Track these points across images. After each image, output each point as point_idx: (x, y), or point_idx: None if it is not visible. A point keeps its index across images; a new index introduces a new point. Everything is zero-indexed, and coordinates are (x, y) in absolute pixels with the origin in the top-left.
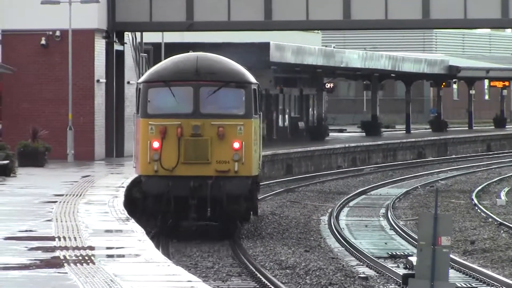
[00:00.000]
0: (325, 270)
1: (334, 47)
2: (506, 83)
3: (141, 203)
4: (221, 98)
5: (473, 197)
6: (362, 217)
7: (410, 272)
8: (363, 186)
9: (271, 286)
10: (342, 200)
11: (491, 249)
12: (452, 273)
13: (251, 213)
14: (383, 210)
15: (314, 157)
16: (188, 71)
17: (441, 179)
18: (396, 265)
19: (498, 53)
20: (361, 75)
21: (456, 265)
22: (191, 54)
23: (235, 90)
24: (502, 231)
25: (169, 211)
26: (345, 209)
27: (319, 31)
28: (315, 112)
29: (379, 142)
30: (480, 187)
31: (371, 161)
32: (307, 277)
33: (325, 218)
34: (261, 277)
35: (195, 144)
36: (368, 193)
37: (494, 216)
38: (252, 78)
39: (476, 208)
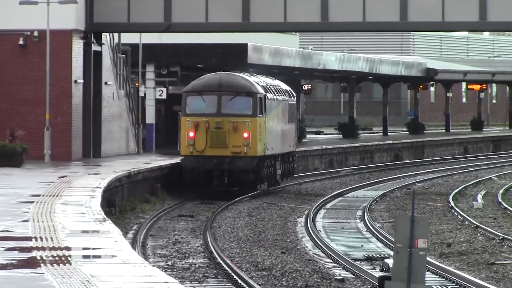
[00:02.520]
0: (301, 272)
1: (311, 49)
2: (484, 86)
3: (180, 174)
4: (236, 103)
5: (450, 199)
6: (339, 219)
7: (386, 274)
8: (340, 188)
9: (247, 287)
10: (319, 202)
11: (467, 252)
12: (428, 276)
13: (260, 185)
14: (359, 212)
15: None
16: (214, 85)
17: (418, 182)
18: (372, 267)
19: (475, 56)
20: (339, 77)
21: (432, 268)
22: (217, 73)
23: (245, 98)
24: (478, 234)
25: (199, 179)
26: (322, 211)
27: (296, 33)
28: None
29: (356, 144)
30: (457, 190)
31: (348, 163)
32: (284, 279)
33: (301, 220)
34: (237, 278)
35: (217, 134)
36: (345, 195)
37: (471, 219)
38: (259, 89)
39: (453, 211)
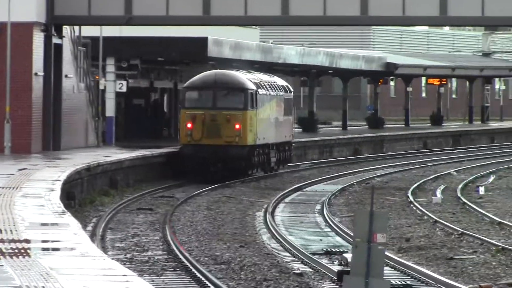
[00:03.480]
0: (260, 266)
1: (272, 43)
2: (444, 81)
3: (180, 161)
4: (229, 98)
5: (409, 194)
6: (298, 213)
7: (345, 268)
8: (299, 182)
9: (205, 281)
10: (278, 196)
11: (426, 247)
12: (387, 270)
13: (251, 171)
14: (318, 207)
15: None
16: (210, 81)
17: (377, 176)
18: (331, 261)
19: (435, 51)
20: (299, 71)
21: (391, 262)
22: (213, 71)
23: (237, 93)
24: (437, 229)
25: (196, 166)
26: (281, 205)
27: (257, 27)
28: None
29: (316, 138)
30: (416, 185)
31: (308, 157)
32: (242, 273)
33: (260, 214)
34: (195, 272)
35: (213, 125)
36: (304, 190)
37: (430, 214)
38: (250, 86)
39: (412, 205)
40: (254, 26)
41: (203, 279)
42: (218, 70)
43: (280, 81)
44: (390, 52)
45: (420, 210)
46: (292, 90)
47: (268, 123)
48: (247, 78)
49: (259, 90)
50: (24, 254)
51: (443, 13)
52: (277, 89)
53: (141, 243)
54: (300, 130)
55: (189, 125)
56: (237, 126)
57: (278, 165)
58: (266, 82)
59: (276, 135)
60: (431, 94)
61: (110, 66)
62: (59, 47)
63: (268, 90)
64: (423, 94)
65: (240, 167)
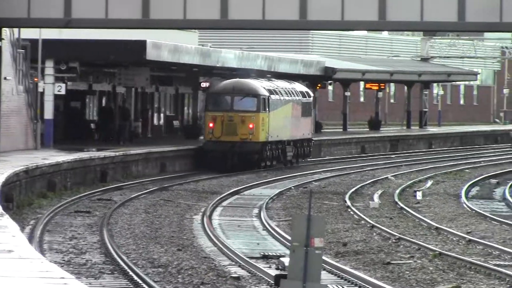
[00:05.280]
0: (197, 269)
1: (210, 47)
2: (382, 86)
3: (202, 156)
4: (244, 102)
5: (346, 199)
6: (235, 217)
7: (282, 272)
8: (237, 186)
9: (143, 284)
10: (216, 200)
11: (363, 251)
12: (324, 275)
13: (264, 163)
14: (256, 210)
15: (188, 156)
16: (229, 88)
17: (315, 181)
18: (268, 265)
19: (374, 56)
20: (237, 75)
21: (328, 267)
22: (232, 80)
23: (252, 98)
24: (374, 234)
25: (216, 160)
26: (219, 209)
27: (196, 30)
28: (190, 111)
29: None
30: (353, 189)
31: None
32: (179, 276)
33: (198, 217)
34: (133, 275)
35: (230, 125)
36: (241, 193)
37: (367, 218)
38: (263, 92)
39: (349, 210)
40: (193, 30)
41: (140, 282)
42: (237, 79)
43: (300, 87)
44: (329, 56)
45: (358, 215)
46: (311, 94)
47: (282, 123)
48: (262, 86)
49: (271, 95)
50: None
51: (382, 17)
52: (294, 94)
53: (78, 246)
54: None
55: (210, 125)
56: (250, 126)
57: (297, 159)
58: (282, 88)
59: (292, 133)
60: (369, 99)
61: (49, 69)
62: None
63: (282, 95)
64: (361, 99)
65: (253, 160)
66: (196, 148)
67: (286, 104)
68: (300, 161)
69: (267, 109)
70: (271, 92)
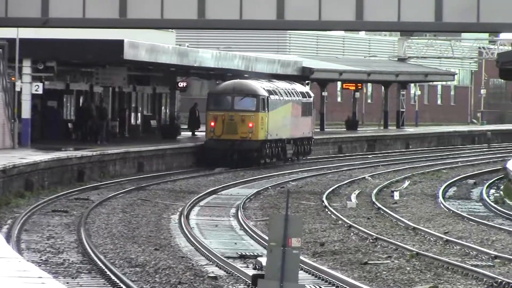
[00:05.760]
0: (174, 269)
1: (188, 46)
2: (359, 86)
3: (204, 153)
4: (244, 102)
5: (324, 199)
6: (213, 217)
7: (259, 272)
8: (214, 186)
9: (120, 283)
10: (193, 199)
11: (340, 251)
12: (301, 275)
13: (263, 160)
14: (233, 210)
15: (166, 155)
16: (229, 89)
17: (292, 180)
18: (245, 265)
19: (351, 56)
20: (215, 74)
21: (305, 267)
22: (233, 81)
23: (251, 98)
24: (352, 234)
25: (217, 157)
26: (196, 208)
27: (173, 30)
28: (167, 110)
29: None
30: (330, 189)
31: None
32: (157, 276)
33: (175, 217)
34: (110, 274)
35: (231, 124)
36: (219, 193)
37: (344, 219)
38: (263, 92)
39: (327, 210)
40: (170, 30)
41: (117, 281)
42: (237, 80)
43: (300, 88)
44: (306, 56)
45: (335, 215)
46: (312, 95)
47: (282, 122)
48: (261, 86)
49: (271, 96)
50: None
51: (359, 18)
52: (294, 94)
53: (56, 245)
54: None
55: (212, 124)
56: (250, 125)
57: (297, 156)
58: (282, 89)
59: (291, 131)
60: (347, 99)
61: (27, 68)
62: None
63: (282, 96)
64: (339, 99)
65: (252, 157)
66: (174, 147)
67: (286, 104)
68: (300, 158)
69: (266, 109)
70: (270, 92)
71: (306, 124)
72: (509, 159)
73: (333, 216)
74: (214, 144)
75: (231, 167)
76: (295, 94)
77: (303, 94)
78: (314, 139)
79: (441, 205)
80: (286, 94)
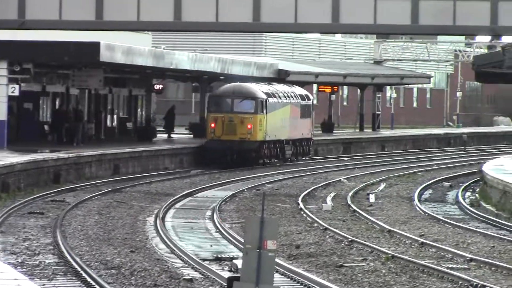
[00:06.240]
0: (150, 271)
1: (164, 48)
2: (335, 88)
3: (205, 153)
4: (243, 104)
5: (299, 201)
6: (188, 219)
7: (235, 275)
8: (190, 188)
9: (96, 285)
10: (169, 202)
11: (316, 254)
12: (277, 277)
13: (262, 160)
14: (209, 213)
15: (142, 158)
16: (229, 92)
17: (268, 183)
18: (221, 267)
19: (327, 58)
20: (190, 77)
21: (281, 269)
22: (233, 83)
23: (250, 100)
24: (327, 236)
25: (217, 157)
26: (172, 211)
27: (149, 32)
28: (143, 113)
29: None
30: (306, 192)
31: (198, 163)
32: (132, 278)
33: (151, 219)
34: (86, 276)
35: (230, 125)
36: (194, 195)
37: (320, 221)
38: (261, 95)
39: (302, 212)
40: (146, 32)
41: (93, 283)
42: (237, 83)
43: (300, 91)
44: (282, 58)
45: (311, 217)
46: (311, 98)
47: (280, 123)
48: (260, 89)
49: (269, 98)
50: None
51: (335, 20)
52: (293, 97)
53: (32, 247)
54: (191, 135)
55: (212, 125)
56: (249, 126)
57: (296, 157)
58: (281, 91)
59: (290, 133)
60: (323, 101)
61: (3, 70)
62: None
63: (280, 98)
64: (315, 101)
65: (251, 157)
66: (150, 149)
67: (284, 106)
68: (299, 159)
69: (265, 111)
70: (269, 95)
71: (305, 126)
72: (485, 162)
73: (308, 219)
74: (214, 145)
75: (231, 167)
76: (294, 97)
77: (302, 97)
78: (313, 140)
79: (417, 207)
80: (285, 97)
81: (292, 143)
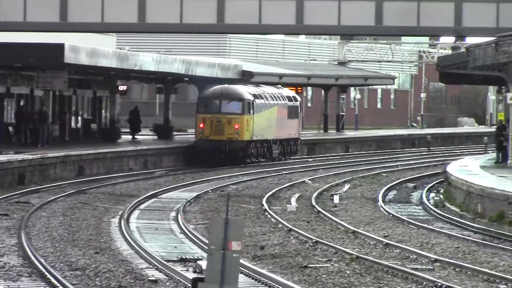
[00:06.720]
0: (114, 272)
1: (128, 50)
2: (299, 89)
3: (194, 152)
4: (231, 105)
5: (264, 202)
6: (153, 220)
7: (199, 276)
8: (154, 189)
9: (60, 287)
10: (133, 203)
11: (280, 255)
12: (241, 278)
13: (249, 159)
14: (173, 214)
15: (106, 159)
16: (218, 93)
17: (232, 184)
18: (186, 269)
19: (291, 59)
20: (155, 78)
21: (245, 270)
22: (221, 85)
23: (237, 102)
24: (292, 237)
25: (206, 156)
26: (136, 212)
27: (114, 34)
28: (108, 114)
29: (171, 146)
30: (270, 193)
31: (163, 164)
32: (97, 279)
33: (115, 221)
34: (50, 278)
35: (218, 125)
36: (159, 196)
37: (284, 222)
38: (248, 96)
39: (266, 213)
40: (111, 33)
41: (58, 285)
42: (225, 85)
43: (287, 92)
44: (246, 60)
45: (275, 218)
46: (298, 99)
47: (267, 124)
48: (247, 91)
49: (256, 100)
50: None
51: (300, 21)
52: (280, 98)
53: None
54: (156, 137)
55: (201, 125)
56: (236, 126)
57: (284, 156)
58: (268, 93)
59: (277, 133)
60: None
61: None
62: None
63: (267, 100)
64: None
65: (238, 156)
66: (115, 151)
67: (272, 107)
68: (287, 158)
69: (252, 112)
70: (256, 96)
71: (292, 126)
72: (449, 163)
73: (273, 220)
74: (203, 144)
75: (218, 165)
76: (281, 98)
77: (290, 98)
78: (301, 140)
79: (381, 208)
80: (272, 98)
81: (279, 143)
